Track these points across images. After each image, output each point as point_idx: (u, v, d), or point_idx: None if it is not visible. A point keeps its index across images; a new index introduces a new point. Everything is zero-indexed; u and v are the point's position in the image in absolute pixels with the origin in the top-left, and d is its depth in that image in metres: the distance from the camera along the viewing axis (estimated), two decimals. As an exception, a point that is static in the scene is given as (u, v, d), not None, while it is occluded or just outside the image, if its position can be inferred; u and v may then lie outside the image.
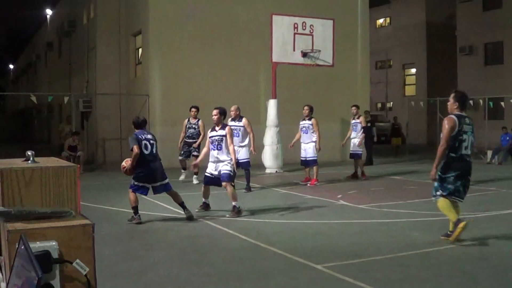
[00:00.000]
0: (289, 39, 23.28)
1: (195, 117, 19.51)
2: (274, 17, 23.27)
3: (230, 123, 17.20)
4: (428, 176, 10.53)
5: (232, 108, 17.30)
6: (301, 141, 19.28)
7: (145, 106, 25.64)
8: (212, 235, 11.12)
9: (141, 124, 12.64)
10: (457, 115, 9.97)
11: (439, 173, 10.07)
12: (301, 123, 19.39)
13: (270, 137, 23.23)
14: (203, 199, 13.53)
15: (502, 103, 34.57)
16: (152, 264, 8.89)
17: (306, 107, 19.29)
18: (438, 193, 10.07)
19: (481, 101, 35.40)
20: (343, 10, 29.31)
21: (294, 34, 23.34)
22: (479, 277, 8.14)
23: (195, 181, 19.07)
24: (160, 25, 26.21)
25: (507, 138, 28.56)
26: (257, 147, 22.55)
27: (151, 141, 12.34)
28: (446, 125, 9.90)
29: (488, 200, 15.62)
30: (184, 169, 19.87)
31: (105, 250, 9.22)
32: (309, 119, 19.09)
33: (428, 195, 11.35)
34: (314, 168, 19.21)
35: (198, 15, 26.66)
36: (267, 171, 23.21)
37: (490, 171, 23.62)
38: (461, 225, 9.76)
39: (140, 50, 28.65)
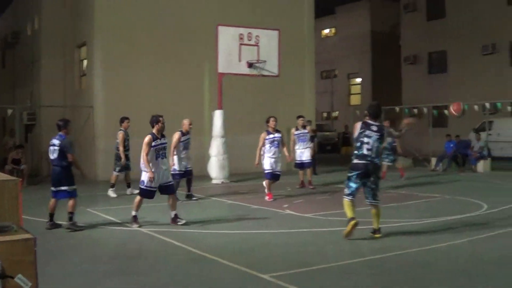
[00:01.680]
0: (234, 50, 23.33)
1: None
2: (220, 28, 23.30)
3: (184, 137, 17.32)
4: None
5: (189, 122, 17.49)
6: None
7: (90, 118, 25.43)
8: (159, 247, 11.05)
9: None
10: (363, 122, 11.43)
11: (347, 173, 11.54)
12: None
13: (216, 148, 23.21)
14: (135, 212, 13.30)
15: (446, 111, 35.04)
16: (98, 278, 8.78)
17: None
18: (346, 192, 11.48)
19: (425, 109, 35.86)
20: (288, 21, 29.45)
21: (240, 44, 23.40)
22: (426, 282, 8.26)
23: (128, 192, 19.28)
24: (105, 36, 25.99)
25: (451, 145, 28.98)
26: (202, 158, 22.78)
27: (50, 147, 13.00)
28: (354, 129, 11.60)
29: (433, 207, 15.82)
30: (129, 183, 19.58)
31: (50, 264, 9.09)
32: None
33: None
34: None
35: (143, 26, 26.51)
36: (213, 181, 23.16)
37: (434, 178, 23.93)
38: (352, 222, 11.16)
39: (85, 61, 28.39)
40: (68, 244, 11.52)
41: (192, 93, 27.37)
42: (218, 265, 9.40)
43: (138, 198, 13.17)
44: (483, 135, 30.07)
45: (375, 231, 11.41)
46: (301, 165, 21.05)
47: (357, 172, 11.23)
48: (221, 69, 23.27)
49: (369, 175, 11.24)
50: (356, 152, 11.28)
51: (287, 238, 11.90)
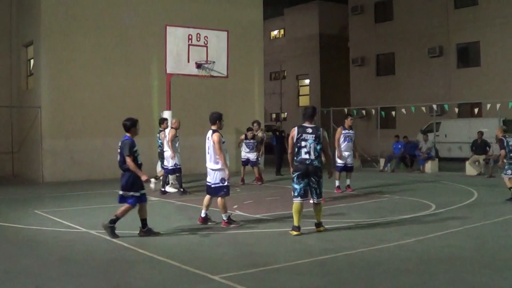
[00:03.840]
0: (183, 50, 23.11)
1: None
2: (169, 28, 23.09)
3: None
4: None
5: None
6: (344, 149, 19.30)
7: (37, 119, 25.07)
8: (108, 249, 10.89)
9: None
10: (298, 126, 12.03)
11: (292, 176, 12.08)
12: (344, 132, 19.36)
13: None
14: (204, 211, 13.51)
15: (393, 113, 35.44)
16: (47, 280, 8.65)
17: (351, 118, 19.89)
18: (293, 195, 11.92)
19: (373, 110, 36.22)
20: (237, 22, 29.43)
21: (189, 45, 23.20)
22: (375, 282, 8.29)
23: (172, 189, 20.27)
24: (52, 36, 25.58)
25: (399, 146, 29.31)
26: (151, 159, 22.55)
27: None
28: (290, 134, 12.03)
29: (382, 207, 15.95)
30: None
31: (-4, 267, 8.94)
32: (352, 129, 19.65)
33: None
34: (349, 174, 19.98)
35: (91, 26, 26.21)
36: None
37: (383, 179, 24.15)
38: (295, 233, 11.70)
39: (32, 61, 27.95)
40: (18, 246, 11.32)
41: (140, 93, 27.18)
42: (168, 267, 9.32)
43: (223, 199, 13.25)
44: (430, 136, 30.44)
45: (317, 224, 12.13)
46: (248, 162, 22.62)
47: (297, 173, 11.84)
48: (170, 69, 23.06)
49: (309, 175, 11.81)
50: (295, 157, 11.87)
51: (237, 238, 11.88)
